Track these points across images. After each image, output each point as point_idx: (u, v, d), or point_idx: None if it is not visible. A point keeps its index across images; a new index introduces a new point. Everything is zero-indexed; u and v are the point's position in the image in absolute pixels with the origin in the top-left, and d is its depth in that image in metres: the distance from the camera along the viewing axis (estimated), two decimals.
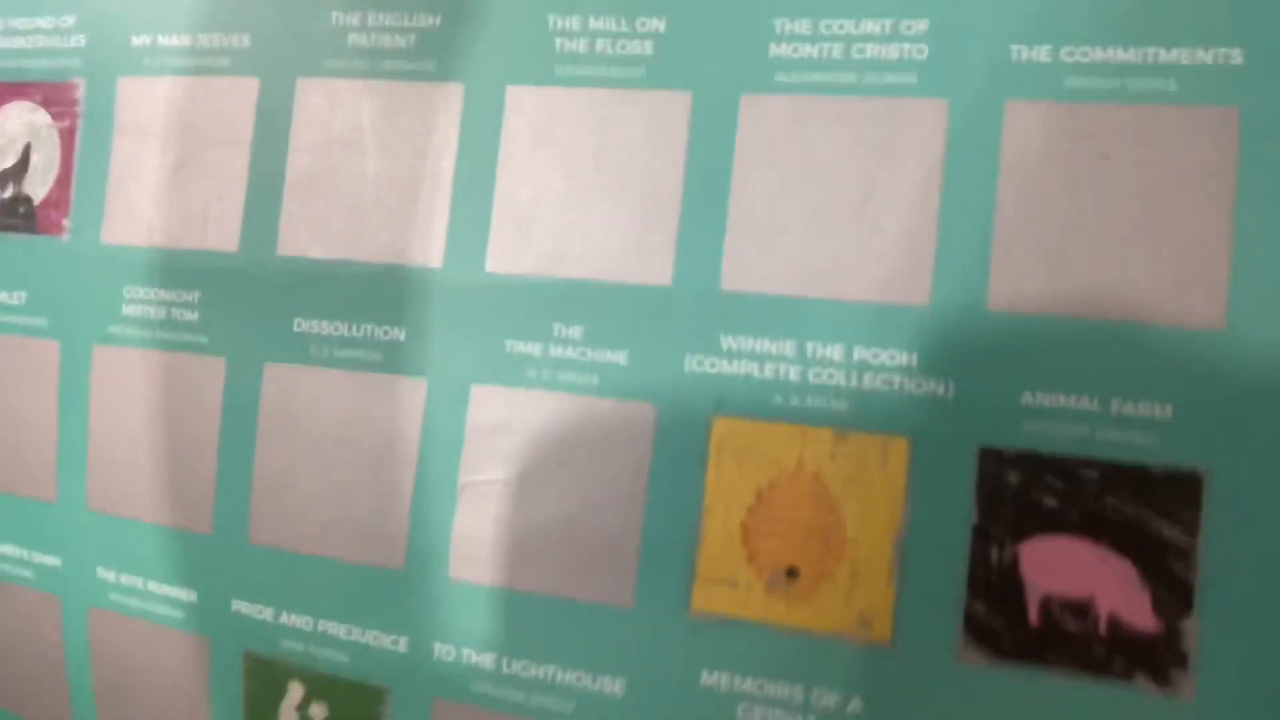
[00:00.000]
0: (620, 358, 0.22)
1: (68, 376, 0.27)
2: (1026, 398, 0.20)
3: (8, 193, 0.28)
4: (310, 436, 0.24)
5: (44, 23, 0.28)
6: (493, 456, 0.23)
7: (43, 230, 0.27)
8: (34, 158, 0.28)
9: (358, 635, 0.24)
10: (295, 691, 0.25)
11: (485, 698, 0.23)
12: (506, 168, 0.23)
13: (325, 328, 0.24)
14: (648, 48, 0.23)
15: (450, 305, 0.24)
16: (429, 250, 0.24)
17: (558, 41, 0.23)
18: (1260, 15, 0.19)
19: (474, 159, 0.24)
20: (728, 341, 0.22)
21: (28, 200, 0.28)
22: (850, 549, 0.21)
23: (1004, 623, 0.20)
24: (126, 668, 0.27)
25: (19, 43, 0.28)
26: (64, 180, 0.27)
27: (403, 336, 0.24)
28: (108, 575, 0.27)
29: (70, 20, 0.27)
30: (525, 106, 0.23)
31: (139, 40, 0.27)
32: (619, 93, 0.23)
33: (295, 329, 0.25)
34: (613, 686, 0.22)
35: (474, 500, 0.23)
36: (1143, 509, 0.19)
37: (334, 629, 0.24)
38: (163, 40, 0.26)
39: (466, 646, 0.23)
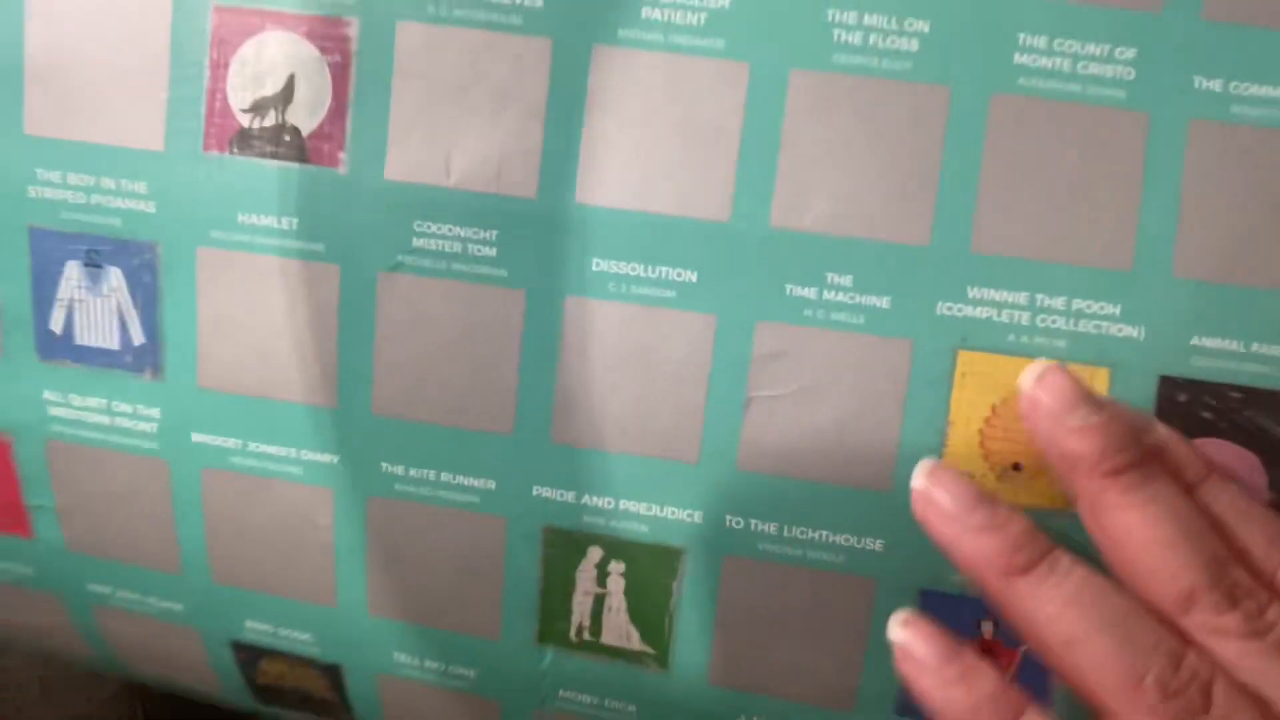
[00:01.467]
0: (884, 302, 0.28)
1: (348, 299, 0.30)
2: (1195, 340, 0.28)
3: (269, 120, 0.29)
4: (610, 359, 0.29)
5: None
6: (775, 378, 0.29)
7: (313, 161, 0.29)
8: (300, 89, 0.29)
9: (656, 511, 0.30)
10: (594, 553, 0.30)
11: (769, 554, 0.30)
12: (788, 140, 0.28)
13: (623, 268, 0.29)
14: (914, 44, 0.28)
15: (737, 253, 0.29)
16: (719, 205, 0.28)
17: (835, 33, 0.28)
18: None
19: (759, 132, 0.28)
20: (973, 292, 0.28)
21: (295, 130, 0.29)
22: None
23: None
24: (410, 551, 0.31)
25: None
26: (337, 114, 0.29)
27: (695, 278, 0.29)
28: (394, 469, 0.31)
29: None
30: (806, 89, 0.28)
31: None
32: (887, 83, 0.28)
33: (594, 268, 0.29)
34: (875, 545, 0.29)
35: (759, 410, 0.29)
36: (1269, 420, 0.28)
37: (634, 507, 0.30)
38: None
39: (753, 518, 0.29)
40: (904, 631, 0.26)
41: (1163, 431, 0.26)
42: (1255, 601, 0.23)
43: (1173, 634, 0.24)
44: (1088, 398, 0.26)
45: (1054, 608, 0.24)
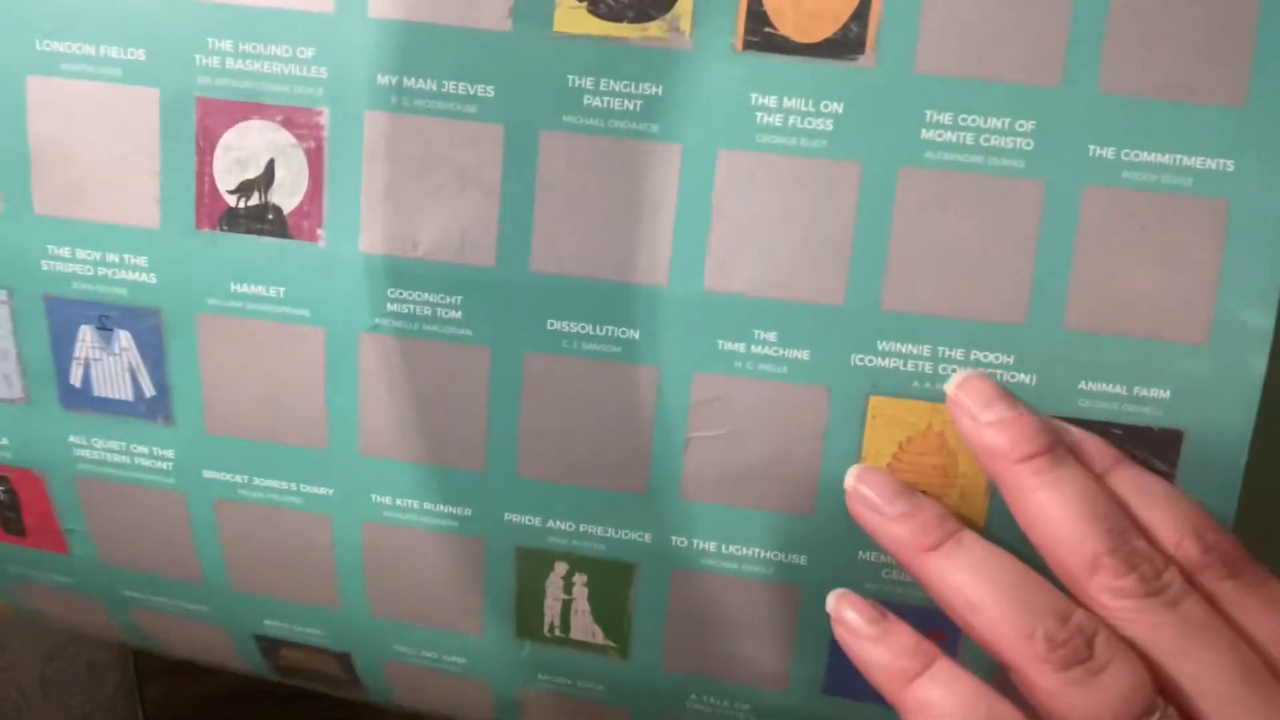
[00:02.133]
0: (804, 355, 0.32)
1: (334, 357, 0.34)
2: (1082, 385, 0.31)
3: (253, 200, 0.33)
4: (565, 406, 0.33)
5: (279, 50, 0.32)
6: (711, 420, 0.33)
7: (295, 236, 0.33)
8: (279, 172, 0.32)
9: (612, 533, 0.34)
10: (560, 568, 0.35)
11: (709, 566, 0.34)
12: (718, 212, 0.31)
13: (574, 327, 0.33)
14: (829, 124, 0.31)
15: (675, 313, 0.32)
16: (658, 271, 0.32)
17: (758, 115, 0.31)
18: None
19: (692, 205, 0.31)
20: (882, 345, 0.32)
21: (277, 209, 0.33)
22: (960, 479, 0.32)
23: None
24: (401, 567, 0.36)
25: (253, 66, 0.32)
26: (314, 194, 0.32)
27: (637, 335, 0.32)
28: (383, 500, 0.35)
29: (309, 52, 0.31)
30: (733, 167, 0.31)
31: (384, 80, 0.31)
32: (805, 160, 0.31)
33: (549, 327, 0.33)
34: (799, 559, 0.34)
35: (697, 448, 0.33)
36: (1146, 453, 0.32)
37: (592, 529, 0.34)
38: (408, 82, 0.31)
39: (695, 538, 0.34)
40: (838, 600, 0.31)
41: (1076, 432, 0.31)
42: (1152, 566, 0.28)
43: (1065, 597, 0.29)
44: (1002, 397, 0.30)
45: (959, 577, 0.29)
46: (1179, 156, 0.31)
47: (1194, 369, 0.31)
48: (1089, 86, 0.30)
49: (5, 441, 0.37)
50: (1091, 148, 0.31)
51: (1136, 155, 0.31)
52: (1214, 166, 0.31)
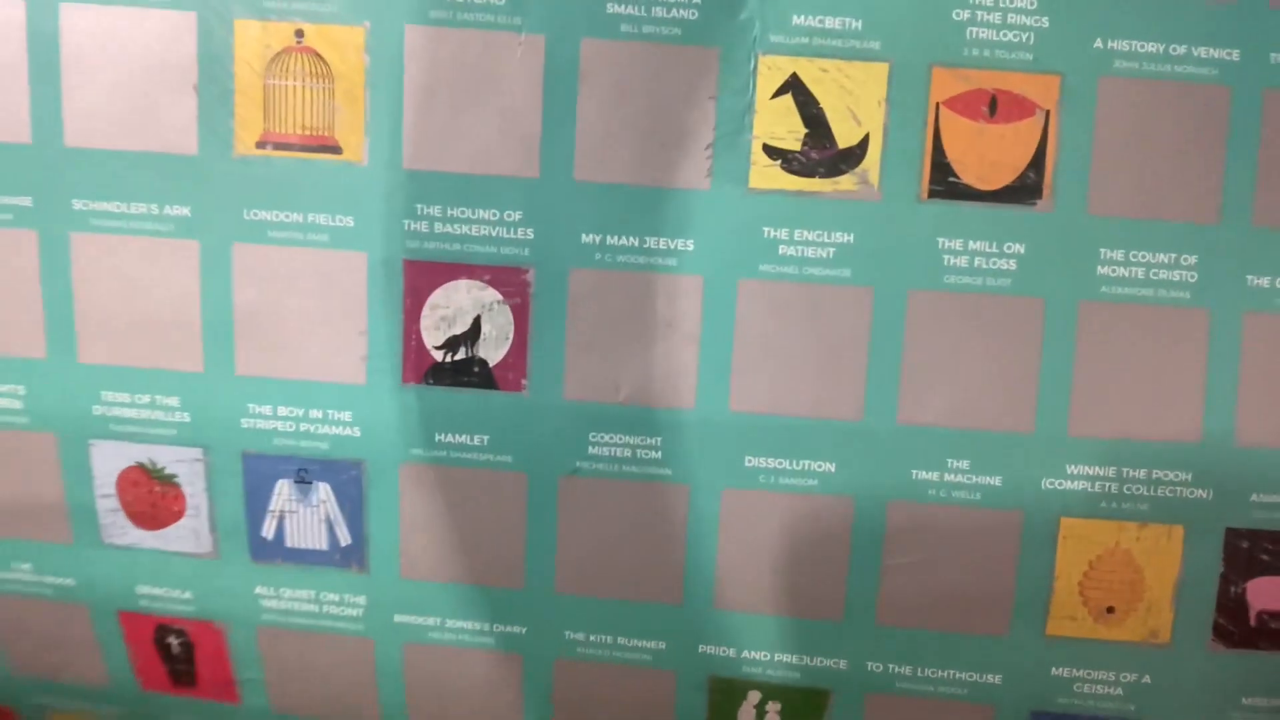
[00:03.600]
0: (996, 481, 0.34)
1: (535, 499, 0.35)
2: (1255, 498, 0.33)
3: (459, 354, 0.34)
4: (763, 539, 0.34)
5: (488, 214, 0.33)
6: (906, 547, 0.34)
7: (500, 387, 0.34)
8: (485, 327, 0.34)
9: (806, 661, 0.35)
10: (753, 696, 0.36)
11: (905, 690, 0.35)
12: (909, 349, 0.33)
13: (771, 463, 0.34)
14: (1012, 264, 0.33)
15: (869, 446, 0.34)
16: (853, 407, 0.34)
17: (945, 258, 0.33)
18: None
19: (883, 344, 0.33)
20: (1071, 469, 0.34)
21: (483, 362, 0.34)
22: (1147, 593, 0.34)
23: (1235, 626, 0.34)
24: (591, 702, 0.36)
25: (461, 230, 0.33)
26: (519, 347, 0.34)
27: (833, 469, 0.34)
28: (576, 636, 0.36)
29: (516, 215, 0.33)
30: (922, 306, 0.33)
31: (588, 238, 0.33)
32: (991, 297, 0.33)
33: (746, 464, 0.34)
34: (994, 679, 0.35)
35: (893, 575, 0.34)
36: None
37: (786, 658, 0.35)
38: (611, 240, 0.33)
39: (891, 662, 0.35)
40: None
41: None
42: None
43: None
44: None
45: None
46: None
47: None
48: (1244, 222, 0.33)
49: (189, 595, 0.37)
50: (1250, 278, 0.33)
51: None
52: None
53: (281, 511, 0.36)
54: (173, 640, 0.38)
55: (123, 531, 0.37)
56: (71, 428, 0.36)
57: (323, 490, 0.35)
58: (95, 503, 0.37)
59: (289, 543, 0.36)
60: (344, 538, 0.36)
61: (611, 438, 0.34)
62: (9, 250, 0.34)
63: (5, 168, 0.34)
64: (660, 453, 0.34)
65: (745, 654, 0.36)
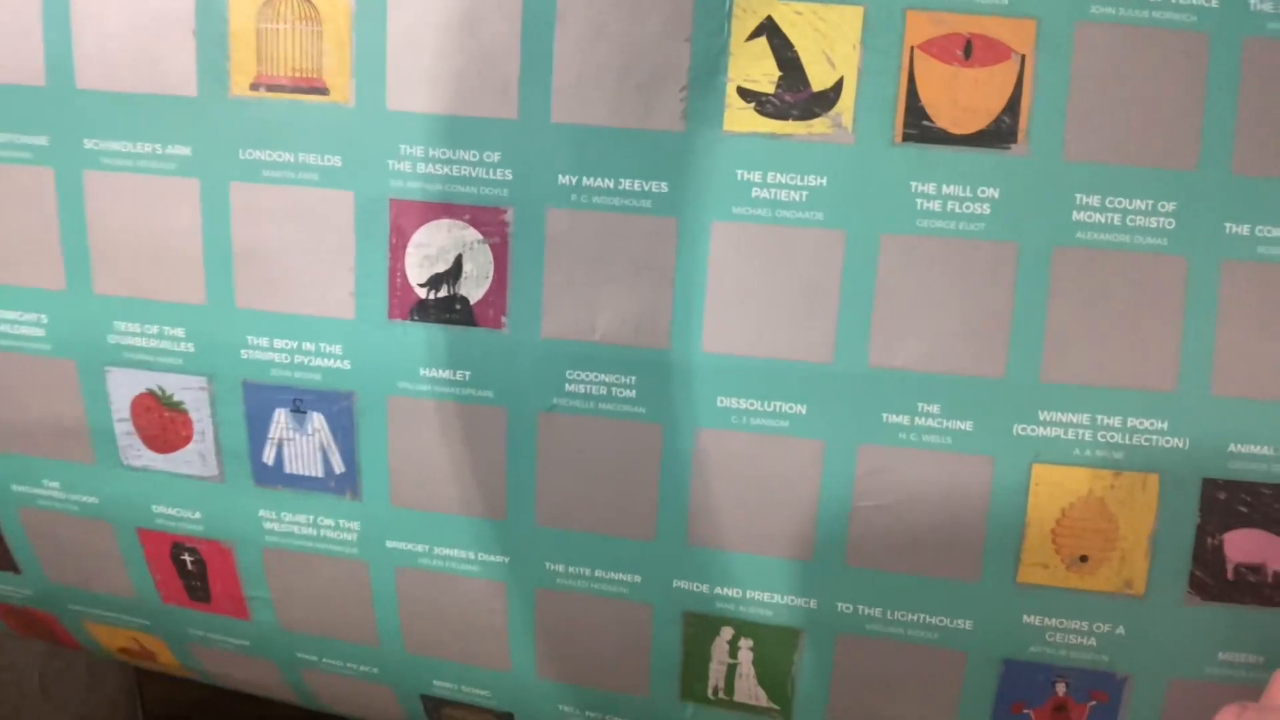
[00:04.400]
0: (967, 426, 0.34)
1: (514, 434, 0.36)
2: (1233, 448, 0.33)
3: (442, 292, 0.35)
4: (735, 479, 0.35)
5: (467, 155, 0.34)
6: (876, 491, 0.34)
7: (481, 324, 0.35)
8: (467, 266, 0.35)
9: (778, 599, 0.36)
10: (726, 632, 0.37)
11: (875, 632, 0.36)
12: (881, 293, 0.33)
13: (743, 404, 0.34)
14: (986, 209, 0.33)
15: (840, 389, 0.34)
16: (824, 349, 0.34)
17: (918, 201, 0.33)
18: None
19: (855, 287, 0.33)
20: (1043, 415, 0.33)
21: (464, 300, 0.35)
22: (1121, 543, 0.34)
23: (1212, 579, 0.34)
24: (572, 630, 0.38)
25: (443, 170, 0.34)
26: (499, 286, 0.35)
27: (804, 411, 0.34)
28: (556, 567, 0.37)
29: (495, 156, 0.34)
30: (894, 250, 0.33)
31: (565, 179, 0.34)
32: (964, 242, 0.33)
33: (719, 404, 0.35)
34: (965, 624, 0.35)
35: (862, 517, 0.35)
36: None
37: (759, 595, 0.36)
38: (587, 181, 0.34)
39: (861, 604, 0.35)
40: None
41: None
42: None
43: None
44: None
45: None
46: None
47: None
48: (1223, 169, 0.32)
49: (198, 515, 0.40)
50: (1228, 225, 0.32)
51: (1269, 231, 0.32)
52: None
53: (280, 439, 0.38)
54: (187, 557, 0.41)
55: (138, 454, 0.39)
56: (89, 355, 0.38)
57: (317, 420, 0.37)
58: (113, 426, 0.39)
59: (288, 469, 0.38)
60: (338, 465, 0.38)
61: (588, 376, 0.35)
62: (29, 187, 0.37)
63: (22, 108, 0.36)
64: (635, 391, 0.35)
65: (718, 590, 0.37)
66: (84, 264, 0.37)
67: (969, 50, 0.32)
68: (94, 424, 0.39)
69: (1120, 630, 0.34)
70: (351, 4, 0.34)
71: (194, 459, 0.39)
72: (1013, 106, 0.32)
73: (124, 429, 0.39)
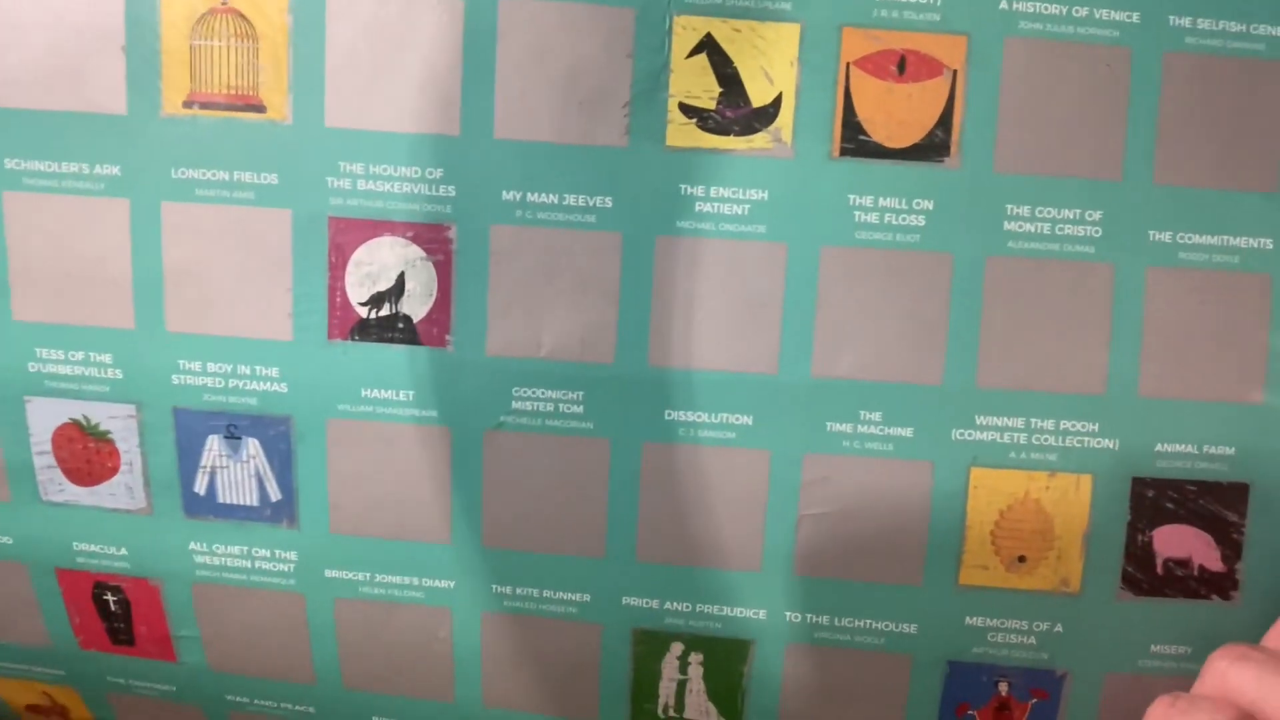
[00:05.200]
0: (908, 432, 0.35)
1: (459, 455, 0.35)
2: (1159, 447, 0.34)
3: (384, 311, 0.35)
4: (682, 491, 0.35)
5: (409, 171, 0.34)
6: (822, 498, 0.35)
7: (425, 342, 0.35)
8: (409, 284, 0.34)
9: (728, 611, 0.36)
10: (676, 648, 0.37)
11: (823, 640, 0.36)
12: (822, 304, 0.34)
13: (690, 416, 0.35)
14: (921, 220, 0.34)
15: (785, 399, 0.34)
16: (768, 361, 0.34)
17: (855, 214, 0.34)
18: None
19: (798, 299, 0.34)
20: (980, 420, 0.34)
21: (407, 318, 0.35)
22: (1057, 542, 0.35)
23: (1143, 575, 0.35)
24: (519, 655, 0.37)
25: (384, 186, 0.34)
26: (442, 303, 0.35)
27: (750, 421, 0.35)
28: (504, 589, 0.37)
29: (438, 173, 0.34)
30: (834, 262, 0.34)
31: (509, 195, 0.34)
32: (901, 253, 0.34)
33: (666, 417, 0.35)
34: (909, 628, 0.36)
35: (809, 525, 0.35)
36: (1218, 506, 0.34)
37: (709, 609, 0.36)
38: (531, 197, 0.34)
39: (809, 612, 0.36)
40: None
41: None
42: None
43: None
44: None
45: None
46: (1226, 238, 0.34)
47: (1255, 427, 0.34)
48: (1146, 179, 0.34)
49: (124, 551, 0.38)
50: (1151, 233, 0.34)
51: (1190, 238, 0.34)
52: (1255, 245, 0.34)
53: (213, 467, 0.36)
54: (110, 597, 0.39)
55: (59, 488, 0.38)
56: (6, 385, 0.36)
57: (252, 446, 0.36)
58: (32, 459, 0.37)
59: (221, 498, 0.37)
60: (274, 493, 0.37)
61: (534, 392, 0.35)
62: None
63: None
64: (582, 407, 0.35)
65: (668, 605, 0.36)
66: (3, 289, 0.36)
67: (903, 66, 0.33)
68: (10, 458, 0.37)
69: (1058, 628, 0.35)
70: (289, 20, 0.34)
71: (120, 491, 0.37)
72: (945, 120, 0.33)
73: (44, 462, 0.37)
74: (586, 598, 0.37)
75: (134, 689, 0.42)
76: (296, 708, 0.40)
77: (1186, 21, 0.33)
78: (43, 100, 0.34)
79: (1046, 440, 0.34)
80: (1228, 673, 0.29)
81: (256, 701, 0.41)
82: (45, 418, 0.37)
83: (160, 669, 0.40)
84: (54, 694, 0.44)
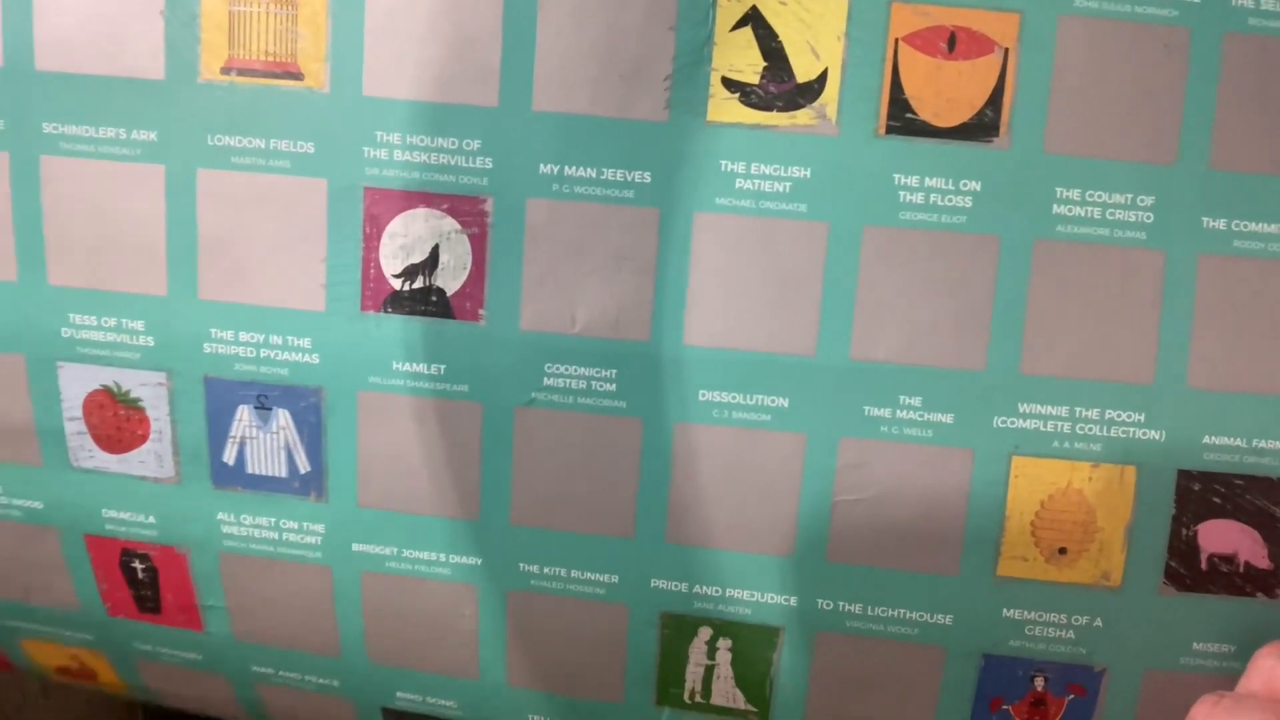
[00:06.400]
0: (948, 418, 0.34)
1: (489, 431, 0.35)
2: (1207, 439, 0.33)
3: (417, 283, 0.34)
4: (715, 474, 0.35)
5: (446, 143, 0.33)
6: (857, 484, 0.34)
7: (457, 317, 0.34)
8: (444, 257, 0.34)
9: (757, 597, 0.35)
10: (704, 633, 0.36)
11: (855, 629, 0.35)
12: (863, 285, 0.33)
13: (724, 397, 0.34)
14: (968, 201, 0.33)
15: (822, 382, 0.34)
16: (806, 342, 0.34)
17: (900, 194, 0.33)
18: None
19: (838, 280, 0.33)
20: (1023, 408, 0.34)
21: (440, 291, 0.34)
22: (1099, 534, 0.34)
23: (1186, 570, 0.34)
24: (545, 634, 0.37)
25: (420, 157, 0.34)
26: (477, 277, 0.34)
27: (786, 404, 0.34)
28: (530, 568, 0.36)
29: (475, 144, 0.33)
30: (877, 242, 0.33)
31: (546, 169, 0.33)
32: (946, 234, 0.33)
33: (700, 398, 0.34)
34: (944, 619, 0.35)
35: (843, 511, 0.34)
36: (1266, 501, 0.33)
37: (738, 594, 0.35)
38: (569, 171, 0.33)
39: (841, 600, 0.35)
40: None
41: None
42: None
43: None
44: None
45: None
46: None
47: None
48: (1201, 164, 0.33)
49: (152, 519, 0.38)
50: (1205, 220, 0.33)
51: (1245, 225, 0.33)
52: None
53: (242, 437, 0.36)
54: (137, 565, 0.39)
55: (89, 455, 0.38)
56: (40, 349, 0.36)
57: (282, 417, 0.36)
58: (63, 424, 0.37)
59: (249, 469, 0.37)
60: (303, 465, 0.36)
61: (567, 369, 0.35)
62: None
63: None
64: (615, 385, 0.35)
65: (696, 589, 0.36)
66: (38, 254, 0.36)
67: (953, 43, 0.32)
68: (42, 423, 0.37)
69: (1098, 622, 0.35)
70: None
71: (149, 459, 0.37)
72: (995, 99, 0.33)
73: (75, 428, 0.37)
74: (614, 579, 0.36)
75: (161, 656, 0.42)
76: (321, 680, 0.40)
77: (1249, 2, 0.32)
78: (81, 64, 0.34)
79: (1091, 430, 0.34)
80: (1274, 670, 0.28)
81: (281, 673, 0.41)
82: (77, 383, 0.37)
83: (186, 638, 0.40)
84: (83, 657, 0.44)
